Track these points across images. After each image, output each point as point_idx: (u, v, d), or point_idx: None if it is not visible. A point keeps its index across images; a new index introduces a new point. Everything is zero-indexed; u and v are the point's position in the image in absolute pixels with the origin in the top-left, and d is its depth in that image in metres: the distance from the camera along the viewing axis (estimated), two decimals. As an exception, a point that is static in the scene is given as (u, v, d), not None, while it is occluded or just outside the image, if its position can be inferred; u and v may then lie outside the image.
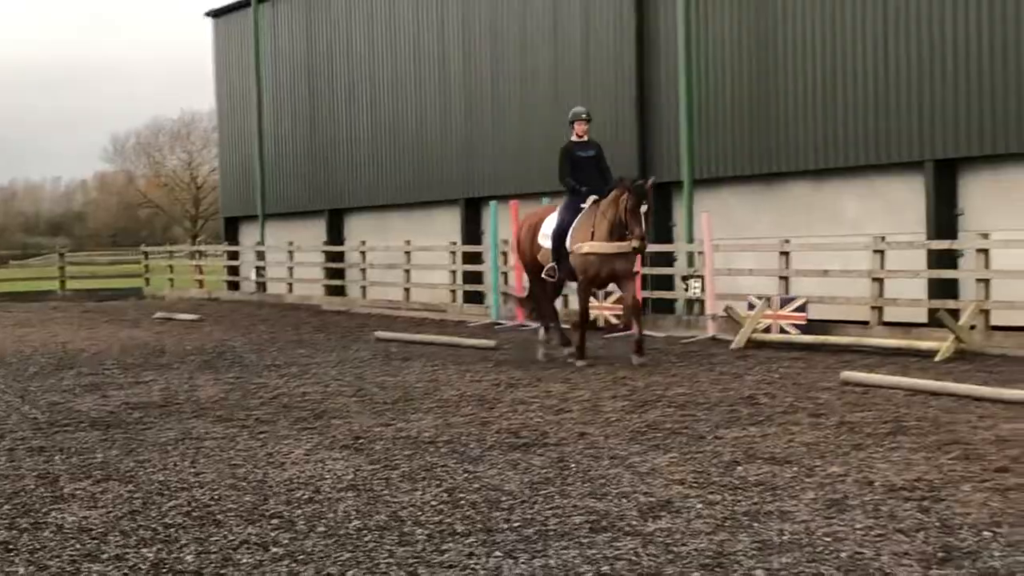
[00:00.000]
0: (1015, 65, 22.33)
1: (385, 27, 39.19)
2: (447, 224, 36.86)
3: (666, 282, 27.44)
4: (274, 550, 8.47)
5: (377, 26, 39.60)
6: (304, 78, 43.26)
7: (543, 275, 19.91)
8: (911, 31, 24.12)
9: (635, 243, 18.40)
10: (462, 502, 9.74)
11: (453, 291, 32.99)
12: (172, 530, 9.11)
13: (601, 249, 18.83)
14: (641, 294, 20.22)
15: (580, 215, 19.29)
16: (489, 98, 34.92)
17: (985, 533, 8.40)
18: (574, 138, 19.99)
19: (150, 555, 8.44)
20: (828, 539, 8.36)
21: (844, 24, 25.39)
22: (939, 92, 23.64)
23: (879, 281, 22.65)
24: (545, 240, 19.78)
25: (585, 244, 18.89)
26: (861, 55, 25.06)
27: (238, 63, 47.07)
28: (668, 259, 27.90)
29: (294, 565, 8.09)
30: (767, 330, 22.58)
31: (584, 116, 20.06)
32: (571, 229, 19.27)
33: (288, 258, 41.59)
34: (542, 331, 20.76)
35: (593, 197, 19.32)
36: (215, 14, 49.25)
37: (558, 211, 19.90)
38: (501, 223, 29.52)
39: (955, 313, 20.50)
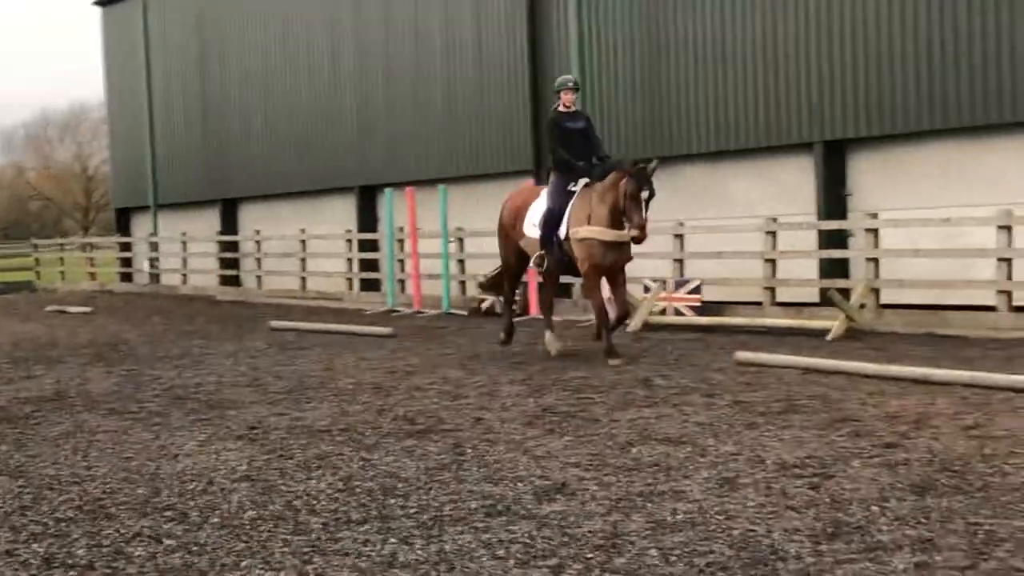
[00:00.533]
0: (900, 47, 22.59)
1: (278, 16, 38.97)
2: (342, 212, 36.75)
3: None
4: (167, 542, 8.40)
5: (270, 14, 39.36)
6: (196, 67, 42.92)
7: (531, 265, 18.39)
8: (799, 14, 24.33)
9: (634, 232, 16.48)
10: (357, 490, 9.71)
11: (349, 279, 32.93)
12: (63, 524, 9.01)
13: (601, 235, 16.95)
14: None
15: (574, 199, 17.37)
16: (382, 85, 34.83)
17: (873, 508, 8.50)
18: (561, 108, 17.91)
19: (40, 550, 8.34)
20: (721, 517, 8.43)
21: (734, 8, 25.57)
22: (827, 74, 23.88)
23: (772, 262, 22.89)
24: (531, 228, 17.86)
25: (582, 229, 17.01)
26: (751, 39, 25.25)
27: (128, 53, 46.56)
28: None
29: (188, 556, 8.03)
30: (663, 312, 22.75)
31: (571, 84, 18.02)
32: (566, 215, 17.33)
33: (182, 248, 41.32)
34: (548, 332, 18.75)
35: (584, 180, 17.46)
36: (103, 3, 48.63)
37: (546, 195, 17.86)
38: (397, 210, 29.45)
39: (846, 292, 20.78)
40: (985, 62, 21.41)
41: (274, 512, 9.10)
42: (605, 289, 17.69)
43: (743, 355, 16.62)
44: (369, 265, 32.58)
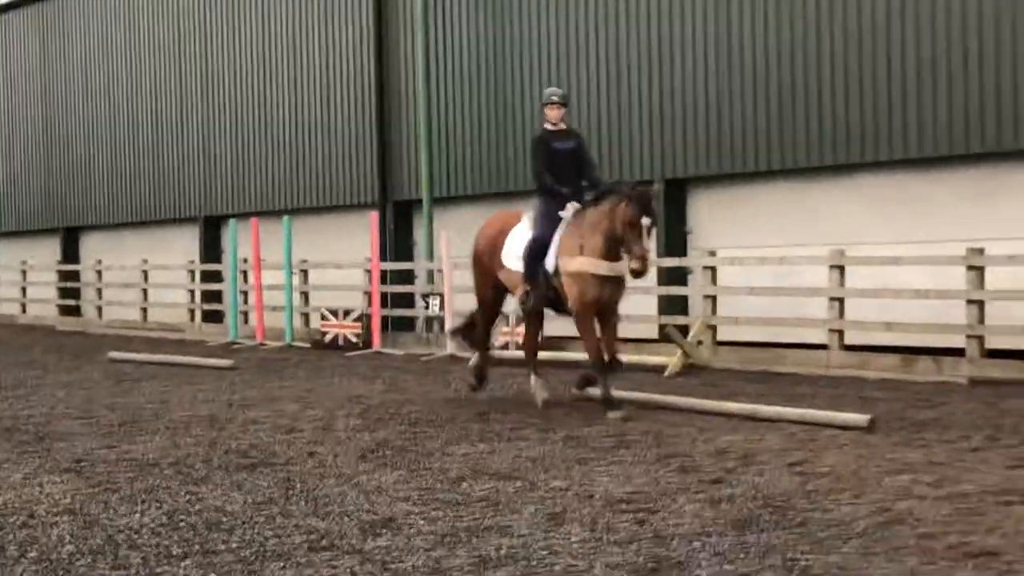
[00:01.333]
0: (740, 87, 22.87)
1: (121, 41, 38.43)
2: (186, 242, 36.27)
3: (407, 300, 27.40)
4: (-17, 578, 8.24)
5: (113, 40, 38.81)
6: (39, 93, 42.15)
7: (516, 302, 16.20)
8: (642, 53, 24.54)
9: (634, 264, 14.38)
10: (181, 524, 9.55)
11: (192, 311, 32.56)
12: None
13: (596, 268, 14.80)
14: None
15: (563, 226, 15.16)
16: (229, 114, 34.49)
17: (695, 543, 8.54)
18: (548, 126, 15.74)
19: None
20: (544, 552, 8.41)
21: (578, 45, 25.72)
22: (669, 113, 24.08)
23: (613, 297, 22.98)
24: (512, 260, 15.67)
25: (574, 260, 14.84)
26: (595, 79, 25.40)
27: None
28: (409, 277, 27.89)
29: (3, 592, 7.89)
30: (505, 347, 22.74)
31: (556, 99, 15.75)
32: (553, 245, 15.10)
33: (21, 277, 40.58)
34: (533, 377, 16.35)
35: (575, 205, 15.29)
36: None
37: (531, 221, 15.63)
38: (241, 241, 29.20)
39: (684, 329, 20.95)
40: (820, 104, 21.74)
41: (94, 546, 8.90)
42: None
43: (579, 392, 16.62)
44: (212, 296, 32.20)
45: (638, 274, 14.47)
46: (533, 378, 16.22)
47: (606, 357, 15.03)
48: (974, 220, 20.06)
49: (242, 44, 34.04)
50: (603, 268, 14.79)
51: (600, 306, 15.06)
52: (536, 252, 15.20)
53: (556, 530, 9.05)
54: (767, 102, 22.54)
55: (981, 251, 18.41)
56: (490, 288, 16.59)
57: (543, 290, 15.28)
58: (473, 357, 17.17)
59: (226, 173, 34.50)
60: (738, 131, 22.96)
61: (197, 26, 35.61)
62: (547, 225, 15.25)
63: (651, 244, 14.97)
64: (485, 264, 16.43)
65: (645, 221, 14.28)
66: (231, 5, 34.39)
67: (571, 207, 15.20)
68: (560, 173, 15.45)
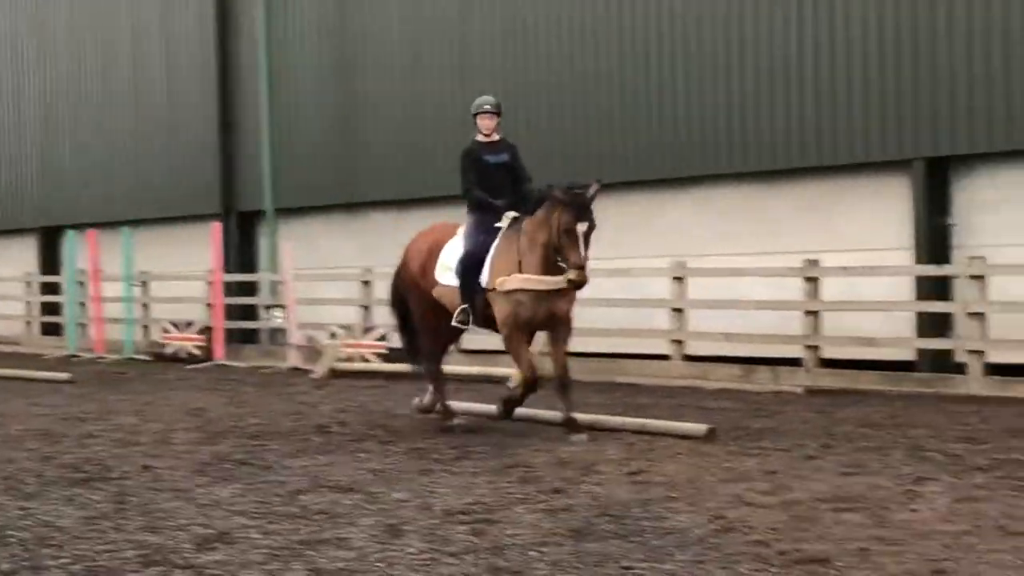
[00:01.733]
0: (583, 101, 23.00)
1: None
2: (24, 253, 35.66)
3: (250, 312, 27.16)
4: None
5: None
6: None
7: (454, 322, 14.18)
8: (486, 66, 24.60)
9: (571, 275, 13.01)
10: (11, 540, 9.34)
11: (29, 323, 31.99)
12: None
13: (535, 285, 13.31)
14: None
15: (498, 239, 13.66)
16: (68, 121, 33.98)
17: (531, 553, 8.55)
18: (480, 137, 14.24)
19: None
20: (381, 564, 8.37)
21: (427, 58, 25.76)
22: (523, 131, 24.13)
23: (458, 309, 22.97)
24: (447, 274, 14.10)
25: (512, 278, 13.32)
26: (439, 92, 25.40)
27: None
28: (251, 289, 27.63)
29: None
30: (349, 359, 22.62)
31: (488, 108, 14.25)
32: (488, 258, 13.62)
33: None
34: (429, 395, 15.23)
35: (512, 214, 13.82)
36: None
37: (463, 234, 14.12)
38: (79, 253, 28.77)
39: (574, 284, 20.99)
40: (661, 119, 21.95)
41: (-83, 565, 8.73)
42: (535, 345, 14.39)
43: (420, 402, 16.56)
44: (51, 309, 31.64)
45: (577, 285, 13.17)
46: (428, 397, 15.13)
47: (556, 374, 13.81)
48: (810, 232, 20.37)
49: (81, 47, 33.56)
50: (545, 283, 13.32)
51: (539, 324, 13.74)
52: (470, 267, 13.73)
53: (393, 542, 9.01)
54: (610, 117, 22.71)
55: (816, 263, 18.68)
56: (427, 308, 14.74)
57: (481, 308, 13.79)
58: (426, 396, 15.26)
59: (64, 182, 33.94)
60: (582, 144, 23.10)
61: (34, 27, 35.03)
62: (481, 238, 13.77)
63: (590, 251, 13.18)
64: (416, 281, 14.75)
65: (581, 227, 12.88)
66: (70, 4, 33.90)
67: (507, 217, 13.78)
68: (492, 188, 13.96)
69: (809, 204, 20.74)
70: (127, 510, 10.37)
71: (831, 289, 18.95)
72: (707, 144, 21.43)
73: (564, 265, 13.05)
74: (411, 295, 14.92)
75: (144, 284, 28.68)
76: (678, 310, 20.18)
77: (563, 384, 13.70)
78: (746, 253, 20.68)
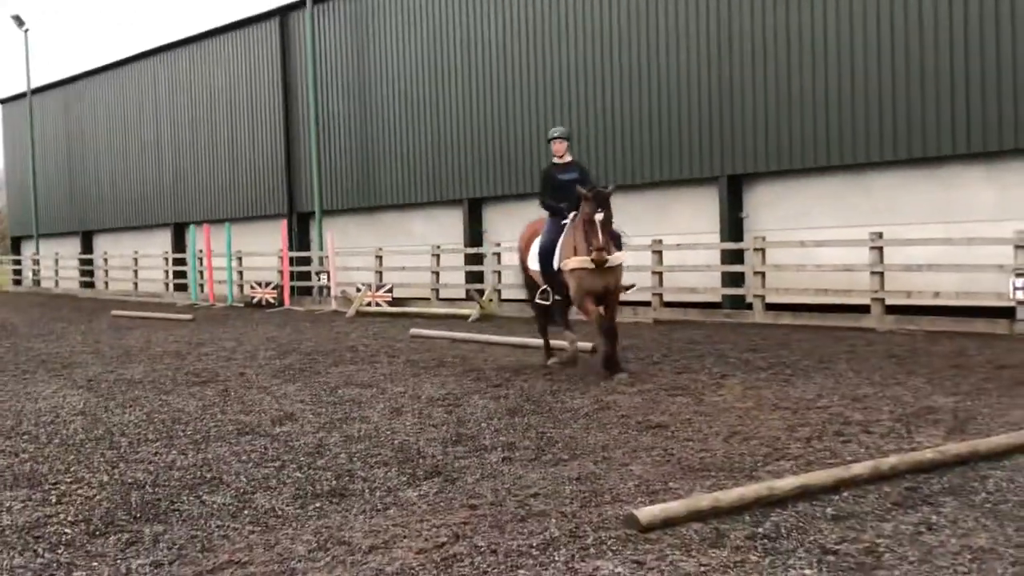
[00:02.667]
0: (528, 123, 22.94)
1: (126, 105, 37.18)
2: (162, 239, 35.28)
3: (305, 276, 27.01)
4: (22, 455, 7.90)
5: (118, 104, 37.55)
6: (64, 143, 40.44)
7: (536, 300, 12.31)
8: (457, 91, 24.48)
9: (593, 255, 10.93)
10: (155, 420, 9.30)
11: (166, 283, 31.67)
12: (-50, 447, 8.41)
13: (580, 264, 11.35)
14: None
15: (564, 233, 11.79)
16: (190, 151, 33.51)
17: (483, 424, 8.57)
18: (555, 160, 12.22)
19: (-68, 464, 7.77)
20: (389, 432, 8.38)
21: (421, 109, 25.57)
22: (473, 144, 24.06)
23: (436, 273, 22.96)
24: (534, 261, 12.30)
25: (570, 260, 11.42)
26: (422, 116, 25.21)
27: (18, 134, 43.64)
28: (307, 261, 27.45)
29: (35, 464, 7.56)
30: (369, 305, 22.58)
31: (557, 135, 12.18)
32: (557, 247, 11.79)
33: (55, 263, 39.12)
34: (566, 347, 12.51)
35: (574, 214, 11.74)
36: (3, 101, 45.67)
37: (542, 231, 12.21)
38: (198, 239, 28.51)
39: (481, 292, 20.98)
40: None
41: (97, 435, 8.64)
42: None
43: (415, 331, 16.61)
44: (180, 274, 31.30)
45: (596, 263, 10.97)
46: (547, 354, 12.64)
47: (603, 325, 11.35)
48: (658, 223, 20.43)
49: (193, 106, 33.13)
50: (584, 263, 11.22)
51: (596, 294, 11.36)
52: (544, 256, 11.95)
53: (397, 419, 9.02)
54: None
55: (660, 241, 18.74)
56: (532, 284, 12.61)
57: (557, 286, 11.91)
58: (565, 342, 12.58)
59: (187, 193, 33.55)
60: (513, 161, 23.02)
61: (163, 97, 34.64)
62: (551, 234, 11.90)
63: (607, 236, 10.97)
64: (524, 264, 12.74)
65: (598, 216, 10.90)
66: (184, 74, 33.50)
67: (570, 216, 11.67)
68: (565, 200, 11.75)
69: (655, 204, 20.77)
70: (228, 400, 10.34)
71: (669, 257, 19.00)
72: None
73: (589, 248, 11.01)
74: (523, 274, 12.91)
75: (239, 259, 28.43)
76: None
77: (609, 334, 11.28)
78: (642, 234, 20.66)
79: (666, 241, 18.84)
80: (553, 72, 22.08)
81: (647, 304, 18.67)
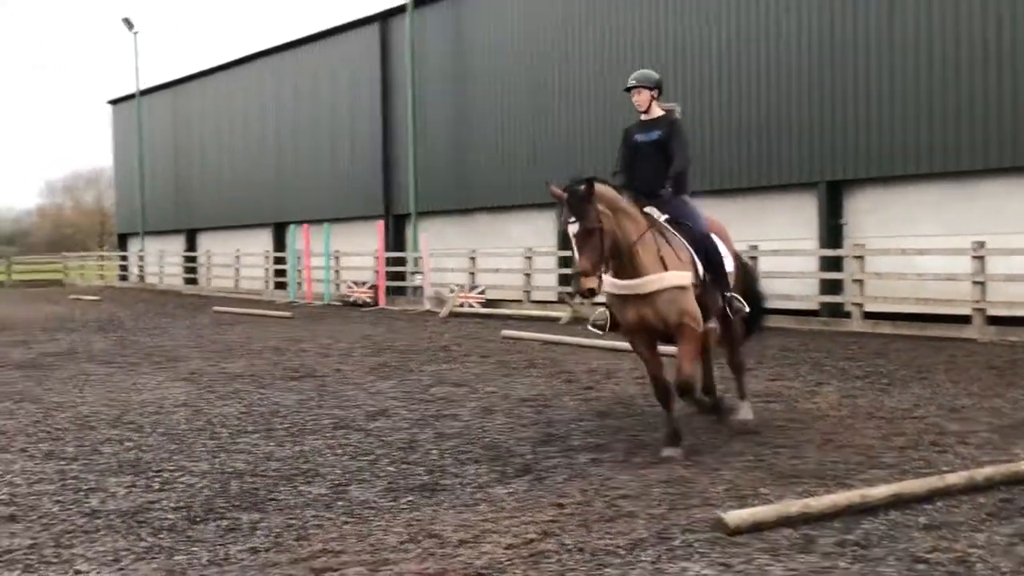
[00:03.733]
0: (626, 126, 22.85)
1: (228, 106, 38.13)
2: (264, 239, 36.00)
3: (400, 276, 27.32)
4: (127, 444, 8.20)
5: (221, 107, 38.50)
6: (171, 143, 41.63)
7: (589, 325, 8.36)
8: (554, 95, 24.50)
9: (574, 284, 7.18)
10: (254, 412, 9.56)
11: (267, 281, 32.35)
12: (61, 432, 8.74)
13: (617, 288, 7.49)
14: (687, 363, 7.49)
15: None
16: (290, 153, 34.17)
17: (572, 426, 8.62)
18: (642, 116, 8.13)
19: (45, 447, 8.10)
20: (479, 431, 8.48)
21: (516, 107, 25.67)
22: (571, 146, 24.06)
23: (528, 275, 23.05)
24: None
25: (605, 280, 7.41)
26: (519, 119, 25.30)
27: (127, 133, 45.06)
28: (401, 262, 27.79)
29: (139, 452, 7.85)
30: (461, 306, 22.76)
31: (633, 83, 8.09)
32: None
33: (159, 260, 40.25)
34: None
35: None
36: (113, 102, 47.16)
37: None
38: (297, 238, 29.07)
39: (572, 294, 20.97)
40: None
41: (198, 426, 8.92)
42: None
43: (507, 332, 16.71)
44: (280, 273, 31.92)
45: (577, 292, 7.11)
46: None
47: (675, 380, 7.54)
48: (753, 228, 20.19)
49: (295, 102, 33.73)
50: (615, 287, 7.48)
51: (639, 330, 7.54)
52: None
53: (487, 417, 9.12)
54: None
55: (756, 246, 18.52)
56: None
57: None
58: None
59: (289, 193, 34.18)
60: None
61: (267, 99, 35.36)
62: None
63: (595, 254, 7.06)
64: None
65: (571, 228, 7.04)
66: (287, 77, 34.13)
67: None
68: (641, 169, 7.99)
69: (752, 209, 20.57)
70: (324, 395, 10.56)
71: (765, 263, 18.78)
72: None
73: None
74: None
75: (337, 258, 28.91)
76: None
77: (683, 389, 7.54)
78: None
79: (761, 247, 18.63)
80: (650, 76, 21.99)
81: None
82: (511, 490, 6.48)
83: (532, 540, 5.37)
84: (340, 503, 6.23)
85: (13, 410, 9.99)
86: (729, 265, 8.10)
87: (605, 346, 14.46)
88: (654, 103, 8.10)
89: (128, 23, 41.34)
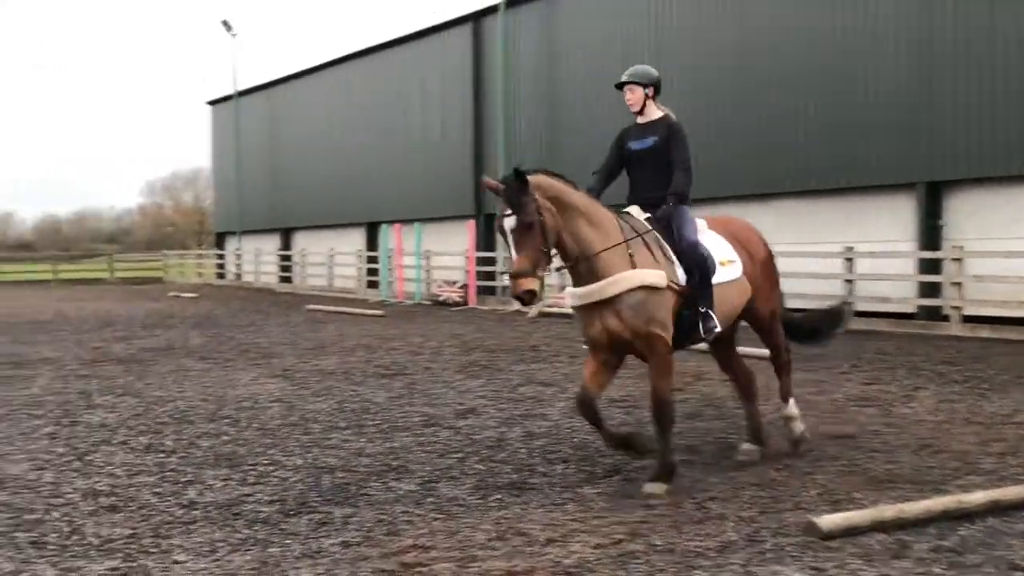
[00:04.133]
0: (716, 128, 22.63)
1: (322, 107, 38.72)
2: (357, 238, 36.52)
3: (490, 276, 27.40)
4: (224, 438, 8.39)
5: (312, 108, 39.12)
6: (267, 145, 42.49)
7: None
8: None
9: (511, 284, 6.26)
10: (346, 409, 9.70)
11: (359, 280, 32.76)
12: (160, 426, 8.98)
13: (574, 297, 6.92)
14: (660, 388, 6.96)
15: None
16: (384, 156, 34.55)
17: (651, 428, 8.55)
18: (638, 119, 7.21)
19: (144, 440, 8.33)
20: (568, 431, 8.49)
21: (609, 100, 25.62)
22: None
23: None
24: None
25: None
26: (610, 120, 25.16)
27: (225, 134, 46.14)
28: (491, 261, 27.89)
29: (235, 447, 8.02)
30: (551, 306, 22.74)
31: (624, 79, 7.19)
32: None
33: (255, 258, 41.03)
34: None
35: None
36: (212, 103, 48.30)
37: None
38: (389, 238, 29.39)
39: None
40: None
41: (292, 421, 9.09)
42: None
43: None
44: (372, 271, 32.32)
45: (520, 299, 6.27)
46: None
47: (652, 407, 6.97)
48: (848, 230, 19.82)
49: (387, 102, 34.06)
50: (573, 297, 6.91)
51: (602, 343, 6.86)
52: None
53: (576, 417, 8.95)
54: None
55: (852, 248, 18.21)
56: None
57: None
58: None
59: (381, 193, 34.54)
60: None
61: (360, 100, 35.81)
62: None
63: (532, 252, 6.30)
64: None
65: (507, 222, 6.26)
66: (380, 78, 34.51)
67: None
68: (636, 177, 7.18)
69: (847, 210, 20.21)
70: (415, 393, 10.67)
71: (862, 265, 18.44)
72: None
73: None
74: None
75: (427, 258, 29.16)
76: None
77: (658, 415, 6.99)
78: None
79: (858, 248, 18.30)
80: (744, 78, 21.75)
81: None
82: (600, 490, 6.48)
83: (620, 540, 5.37)
84: (429, 500, 6.30)
85: (115, 404, 10.29)
86: (737, 271, 7.23)
87: (694, 348, 14.32)
88: (650, 103, 7.18)
89: (227, 25, 42.26)
